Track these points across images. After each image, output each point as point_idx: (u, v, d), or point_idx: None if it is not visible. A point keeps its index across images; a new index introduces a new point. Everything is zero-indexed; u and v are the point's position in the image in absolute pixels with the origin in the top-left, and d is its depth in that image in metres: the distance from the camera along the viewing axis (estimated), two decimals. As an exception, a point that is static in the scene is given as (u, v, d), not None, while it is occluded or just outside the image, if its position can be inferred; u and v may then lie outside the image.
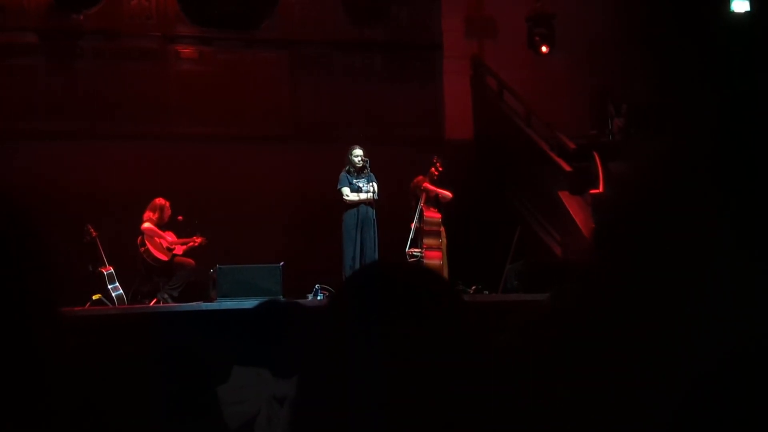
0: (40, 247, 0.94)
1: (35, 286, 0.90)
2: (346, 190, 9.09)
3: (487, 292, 8.96)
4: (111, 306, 8.65)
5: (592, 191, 9.58)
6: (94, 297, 8.69)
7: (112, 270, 8.99)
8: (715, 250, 0.59)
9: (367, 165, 9.15)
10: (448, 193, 9.42)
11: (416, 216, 9.29)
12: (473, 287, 9.01)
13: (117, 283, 8.96)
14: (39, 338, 0.89)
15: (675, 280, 0.61)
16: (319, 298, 8.55)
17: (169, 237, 9.37)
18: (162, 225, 9.34)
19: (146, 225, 9.25)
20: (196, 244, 9.40)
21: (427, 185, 9.38)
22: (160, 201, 9.34)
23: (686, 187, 0.62)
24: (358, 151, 9.15)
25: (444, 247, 9.24)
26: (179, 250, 9.35)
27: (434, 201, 9.41)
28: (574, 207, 9.70)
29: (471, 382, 1.05)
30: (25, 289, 0.89)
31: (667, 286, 0.61)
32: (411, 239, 9.25)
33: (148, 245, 9.21)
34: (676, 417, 0.61)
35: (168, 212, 9.35)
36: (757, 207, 0.58)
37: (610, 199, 0.71)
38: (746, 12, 10.87)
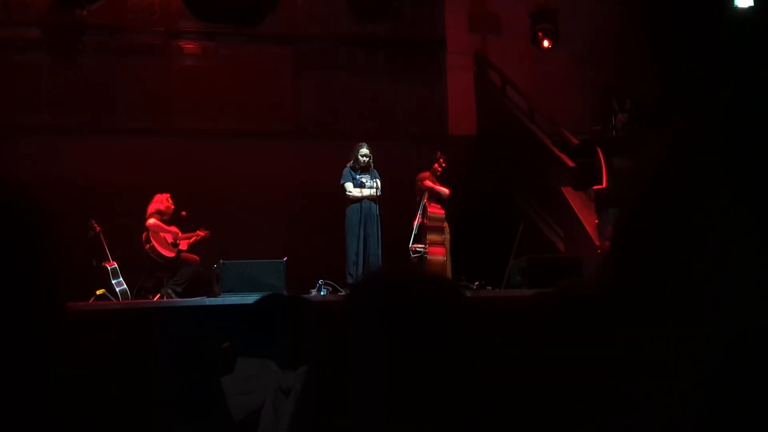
0: (45, 240, 0.93)
1: (40, 281, 0.90)
2: (349, 186, 9.07)
3: (490, 288, 8.94)
4: (115, 301, 8.64)
5: (595, 187, 9.56)
6: (98, 292, 8.69)
7: (116, 265, 8.99)
8: (728, 245, 0.59)
9: (371, 162, 9.13)
10: (445, 190, 9.37)
11: (420, 211, 9.26)
12: (476, 283, 8.99)
13: (121, 278, 8.94)
14: (44, 334, 0.89)
15: (689, 277, 0.61)
16: (322, 293, 8.54)
17: (174, 231, 9.35)
18: (166, 220, 9.32)
19: (151, 221, 9.20)
20: (200, 237, 9.39)
21: (428, 182, 9.36)
22: (162, 196, 9.32)
23: (699, 182, 0.62)
24: (365, 150, 9.08)
25: (448, 242, 9.21)
26: (184, 245, 9.34)
27: (437, 197, 9.39)
28: (577, 202, 9.69)
29: (471, 381, 1.05)
30: (30, 284, 0.89)
31: (681, 283, 0.61)
32: (414, 235, 9.22)
33: (153, 242, 9.18)
34: (678, 413, 0.61)
35: (171, 207, 9.33)
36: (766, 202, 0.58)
37: (628, 198, 0.71)
38: (750, 7, 10.85)
